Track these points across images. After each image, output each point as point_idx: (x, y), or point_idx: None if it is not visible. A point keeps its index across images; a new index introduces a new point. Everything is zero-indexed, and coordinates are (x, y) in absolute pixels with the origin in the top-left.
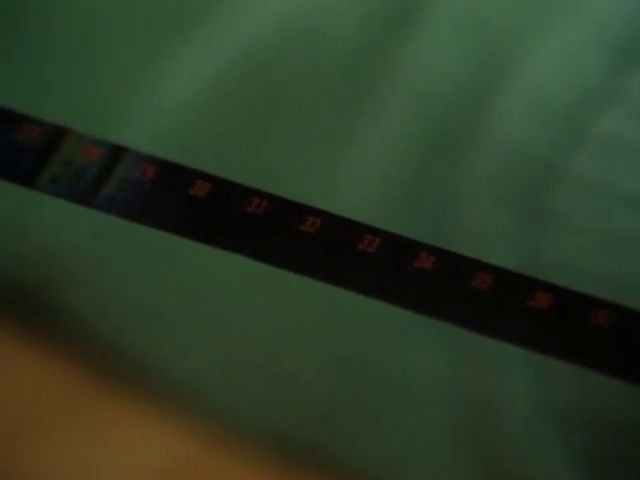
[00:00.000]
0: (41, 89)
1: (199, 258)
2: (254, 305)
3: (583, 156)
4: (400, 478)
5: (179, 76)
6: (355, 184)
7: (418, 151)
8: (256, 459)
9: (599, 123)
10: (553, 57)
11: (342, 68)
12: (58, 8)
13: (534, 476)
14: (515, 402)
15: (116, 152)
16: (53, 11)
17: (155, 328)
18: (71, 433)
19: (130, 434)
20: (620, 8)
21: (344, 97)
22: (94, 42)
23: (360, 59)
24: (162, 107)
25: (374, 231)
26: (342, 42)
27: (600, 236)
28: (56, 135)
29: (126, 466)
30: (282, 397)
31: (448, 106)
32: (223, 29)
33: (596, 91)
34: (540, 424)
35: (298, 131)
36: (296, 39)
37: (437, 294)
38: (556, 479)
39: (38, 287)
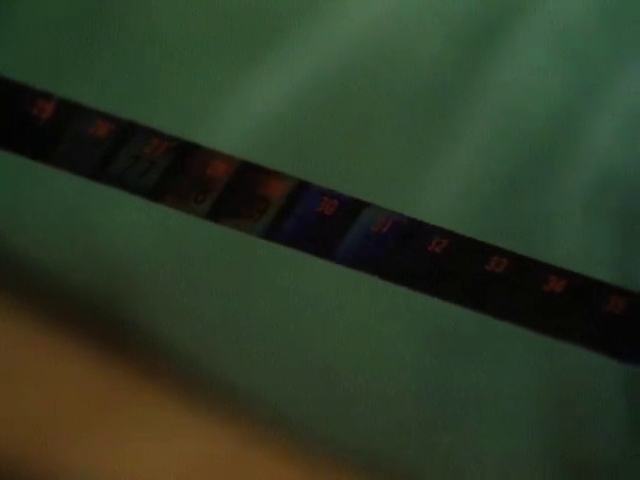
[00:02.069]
0: (126, 89)
1: (271, 272)
2: (331, 316)
3: None
4: None
5: (261, 91)
6: (438, 200)
7: (505, 169)
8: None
9: None
10: None
11: (428, 85)
12: (149, 23)
13: None
14: (608, 417)
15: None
16: (145, 27)
17: (223, 340)
18: (111, 431)
19: (173, 435)
20: None
21: (430, 113)
22: (184, 51)
23: (447, 76)
24: (242, 119)
25: (501, 252)
26: (429, 59)
27: None
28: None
29: (164, 461)
30: (360, 409)
31: (537, 125)
32: (309, 46)
33: None
34: (633, 439)
35: (382, 146)
36: (381, 57)
37: (567, 317)
38: None
39: (106, 295)
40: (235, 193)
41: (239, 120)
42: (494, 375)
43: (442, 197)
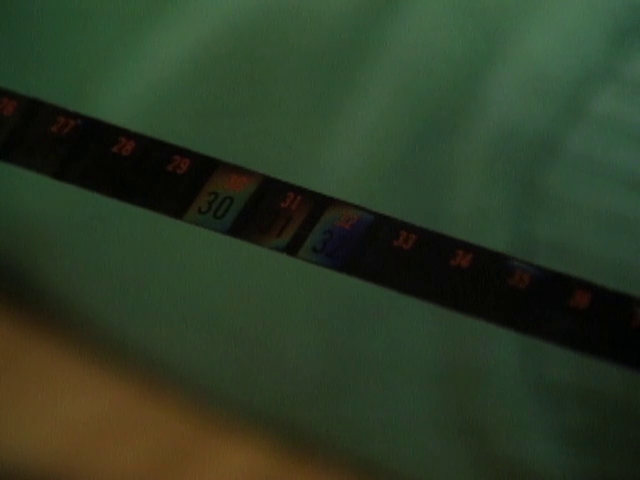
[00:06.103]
0: (17, 59)
1: (178, 231)
2: (238, 282)
3: (580, 135)
4: (384, 454)
5: (159, 49)
6: (343, 161)
7: (408, 128)
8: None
9: (596, 102)
10: (550, 35)
11: (329, 43)
12: None
13: (521, 454)
14: (503, 379)
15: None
16: None
17: (130, 300)
18: (12, 383)
19: (77, 386)
20: None
21: (331, 73)
22: (74, 13)
23: (349, 34)
24: (141, 80)
25: (409, 227)
26: (330, 17)
27: (595, 216)
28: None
29: (67, 415)
30: (266, 374)
31: (440, 83)
32: (206, 1)
33: (593, 69)
34: (528, 401)
35: (283, 106)
36: (281, 13)
37: (473, 291)
38: (543, 457)
39: (12, 257)
40: (143, 170)
41: (136, 83)
42: (394, 341)
43: (342, 158)
